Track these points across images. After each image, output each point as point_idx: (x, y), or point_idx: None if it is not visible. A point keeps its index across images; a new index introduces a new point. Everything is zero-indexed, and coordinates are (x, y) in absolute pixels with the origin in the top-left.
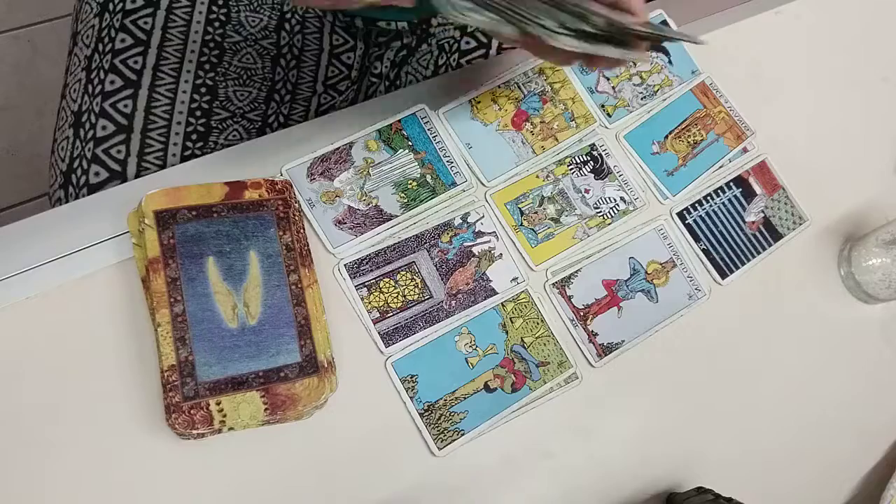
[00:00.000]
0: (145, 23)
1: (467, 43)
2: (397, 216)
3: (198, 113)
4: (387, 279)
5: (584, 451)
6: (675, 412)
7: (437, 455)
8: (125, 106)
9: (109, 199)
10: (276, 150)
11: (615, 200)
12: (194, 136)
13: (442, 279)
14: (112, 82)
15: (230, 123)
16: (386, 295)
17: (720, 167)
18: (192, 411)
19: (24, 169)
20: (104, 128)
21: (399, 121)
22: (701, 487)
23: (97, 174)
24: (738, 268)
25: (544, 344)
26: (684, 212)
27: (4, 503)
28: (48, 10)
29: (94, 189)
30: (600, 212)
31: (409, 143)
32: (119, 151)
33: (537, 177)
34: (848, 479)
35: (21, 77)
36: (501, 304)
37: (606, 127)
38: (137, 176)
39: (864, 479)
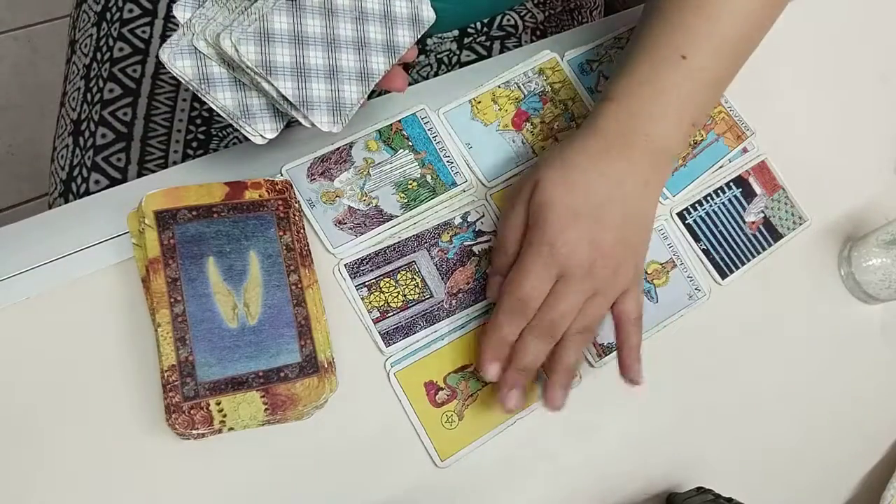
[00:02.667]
0: (143, 31)
1: (467, 56)
2: (397, 216)
3: (198, 121)
4: (387, 279)
5: (584, 452)
6: (675, 412)
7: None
8: (125, 114)
9: (109, 199)
10: (276, 150)
11: None
12: (195, 144)
13: (442, 279)
14: (111, 90)
15: (231, 131)
16: (386, 295)
17: (720, 167)
18: (192, 411)
19: (24, 169)
20: (104, 136)
21: (399, 121)
22: (701, 487)
23: (97, 182)
24: (738, 268)
25: None
26: (684, 212)
27: (4, 503)
28: (48, 10)
29: None
30: None
31: (410, 143)
32: (119, 159)
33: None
34: (848, 479)
35: (21, 77)
36: None
37: None
38: None
39: (864, 479)
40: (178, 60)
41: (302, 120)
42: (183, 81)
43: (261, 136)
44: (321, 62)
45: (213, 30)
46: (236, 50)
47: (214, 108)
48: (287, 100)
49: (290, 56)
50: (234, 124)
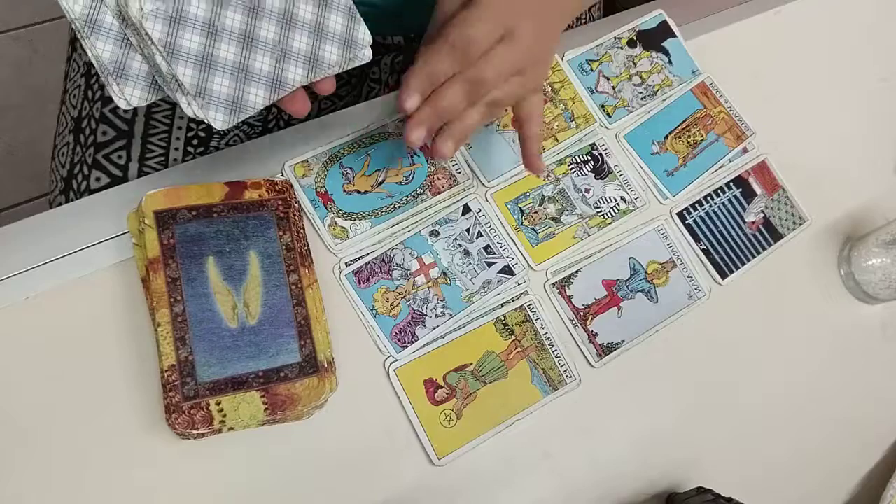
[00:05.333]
0: None
1: None
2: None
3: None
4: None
5: (584, 452)
6: (675, 412)
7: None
8: (125, 111)
9: (109, 199)
10: (277, 150)
11: (615, 200)
12: (195, 142)
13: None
14: None
15: (231, 128)
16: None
17: (720, 167)
18: (192, 411)
19: (24, 169)
20: (104, 133)
21: None
22: (701, 487)
23: (98, 179)
24: (738, 268)
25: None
26: (684, 212)
27: (4, 503)
28: (48, 10)
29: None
30: (601, 211)
31: None
32: (120, 157)
33: (538, 176)
34: (848, 479)
35: (21, 77)
36: (501, 304)
37: (606, 127)
38: None
39: (864, 479)
40: None
41: (185, 107)
42: (67, 17)
43: (126, 100)
44: (231, 58)
45: None
46: (142, 21)
47: (89, 55)
48: (182, 86)
49: (199, 44)
50: (103, 79)
